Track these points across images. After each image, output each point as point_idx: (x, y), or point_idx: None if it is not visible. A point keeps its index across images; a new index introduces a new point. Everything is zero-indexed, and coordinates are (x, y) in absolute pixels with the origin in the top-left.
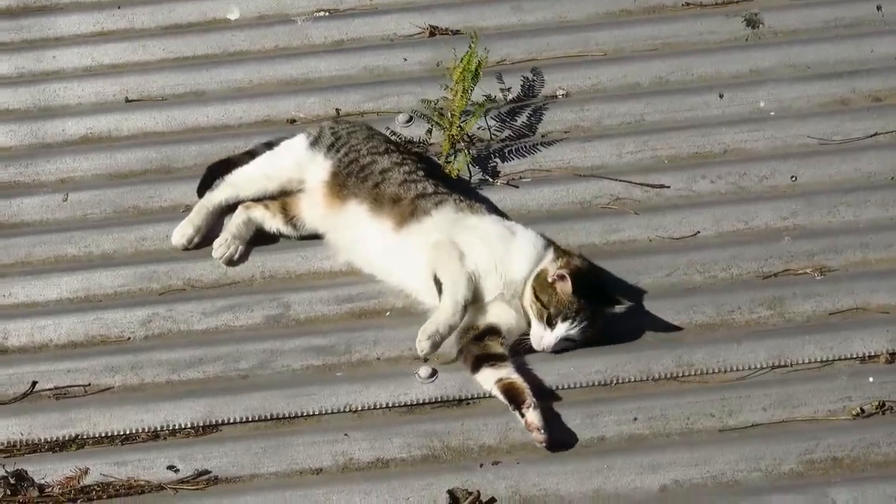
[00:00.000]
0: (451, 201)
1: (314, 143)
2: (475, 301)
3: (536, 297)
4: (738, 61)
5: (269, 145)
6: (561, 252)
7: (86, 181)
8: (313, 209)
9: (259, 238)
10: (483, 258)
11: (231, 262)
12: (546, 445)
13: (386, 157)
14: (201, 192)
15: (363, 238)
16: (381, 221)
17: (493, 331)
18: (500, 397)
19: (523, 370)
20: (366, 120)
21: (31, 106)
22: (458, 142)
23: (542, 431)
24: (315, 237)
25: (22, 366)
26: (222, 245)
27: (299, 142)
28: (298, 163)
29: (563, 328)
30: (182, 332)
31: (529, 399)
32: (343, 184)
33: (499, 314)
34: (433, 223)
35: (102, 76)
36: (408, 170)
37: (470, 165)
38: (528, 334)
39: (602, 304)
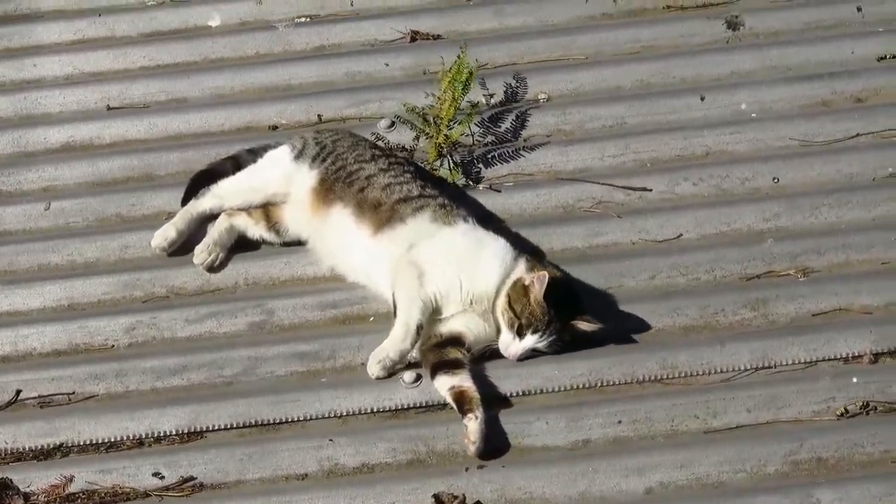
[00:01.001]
0: (430, 208)
1: (299, 154)
2: (436, 314)
3: (510, 306)
4: (720, 64)
5: (252, 152)
6: (534, 263)
7: (68, 189)
8: (298, 215)
9: (242, 244)
10: (445, 277)
11: (211, 269)
12: (475, 454)
13: (372, 164)
14: (185, 202)
15: (345, 243)
16: (361, 227)
17: (456, 340)
18: (452, 404)
19: (480, 377)
20: (348, 126)
21: (13, 114)
22: (444, 149)
23: (475, 444)
24: (298, 243)
25: (6, 374)
26: (203, 251)
27: (284, 154)
28: (284, 175)
29: (531, 340)
30: (166, 340)
31: (475, 410)
32: (330, 188)
33: (466, 323)
34: (406, 231)
35: (84, 84)
36: (394, 174)
37: (453, 170)
38: (496, 342)
39: (573, 320)
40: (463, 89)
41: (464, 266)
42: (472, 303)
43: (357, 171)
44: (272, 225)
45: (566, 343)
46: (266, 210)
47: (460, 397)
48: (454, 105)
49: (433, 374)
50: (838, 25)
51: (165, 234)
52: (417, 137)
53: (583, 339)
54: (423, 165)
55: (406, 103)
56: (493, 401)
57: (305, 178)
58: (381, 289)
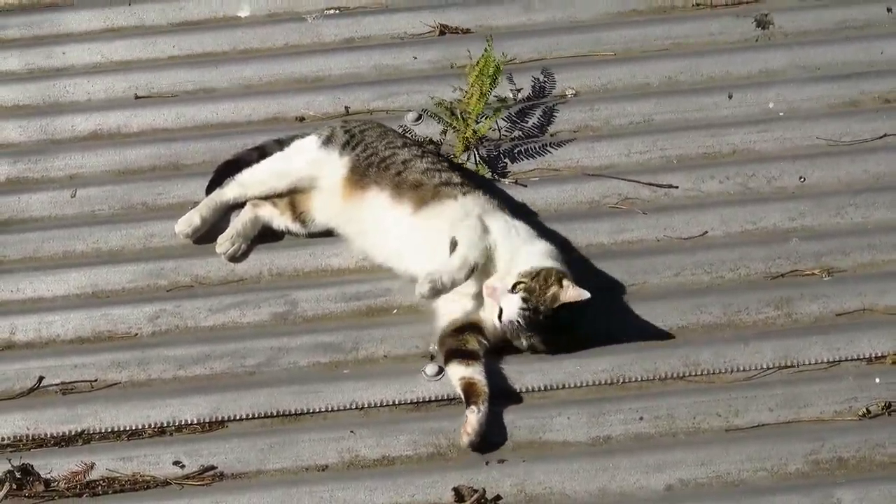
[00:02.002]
0: (479, 193)
1: (327, 142)
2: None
3: (530, 278)
4: (748, 62)
5: (279, 142)
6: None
7: (94, 177)
8: (328, 204)
9: (267, 235)
10: (504, 243)
11: (234, 259)
12: (466, 445)
13: (406, 150)
14: (210, 192)
15: (379, 224)
16: (400, 206)
17: (475, 327)
18: (460, 393)
19: (494, 372)
20: (375, 117)
21: (41, 102)
22: (471, 143)
23: (469, 436)
24: (323, 234)
25: (29, 361)
26: (226, 241)
27: (311, 142)
28: (311, 162)
29: (515, 299)
30: (189, 329)
31: (480, 404)
32: (364, 174)
33: (488, 312)
34: (461, 205)
35: (112, 73)
36: (431, 160)
37: (479, 164)
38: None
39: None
40: (490, 83)
41: (517, 244)
42: (514, 283)
43: (391, 156)
44: (298, 215)
45: (540, 329)
46: (292, 200)
47: (470, 389)
48: (482, 99)
49: (447, 360)
50: (867, 26)
51: (189, 221)
52: (445, 131)
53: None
54: (450, 158)
55: (434, 97)
56: (512, 396)
57: (336, 165)
58: (413, 267)
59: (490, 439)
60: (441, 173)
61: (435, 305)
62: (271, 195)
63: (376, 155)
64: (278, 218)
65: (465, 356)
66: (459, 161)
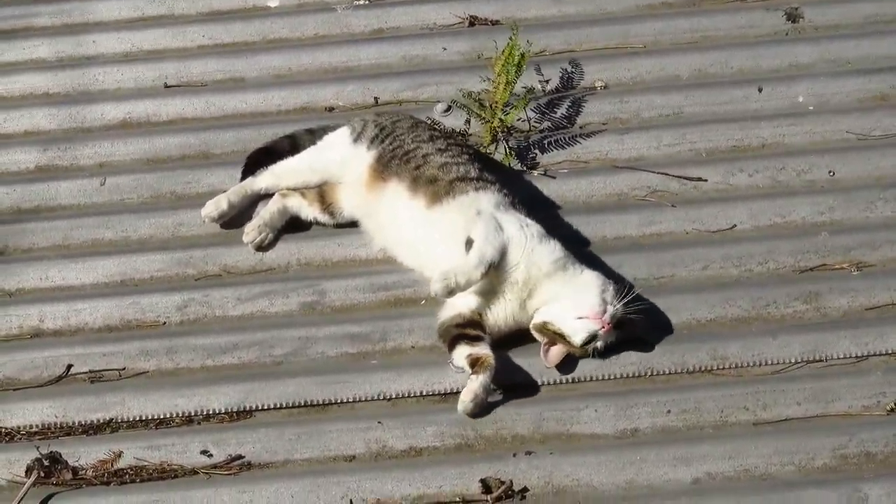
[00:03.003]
0: (493, 190)
1: (358, 137)
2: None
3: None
4: (778, 55)
5: (311, 132)
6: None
7: (124, 166)
8: (353, 195)
9: (295, 225)
10: (517, 241)
11: (260, 248)
12: (461, 412)
13: (430, 144)
14: (244, 179)
15: (396, 218)
16: (415, 200)
17: (476, 324)
18: (466, 369)
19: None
20: (404, 108)
21: (71, 90)
22: (498, 133)
23: (464, 402)
24: (351, 225)
25: (57, 349)
26: (254, 230)
27: (343, 137)
28: (343, 159)
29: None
30: (217, 318)
31: (482, 373)
32: (387, 165)
33: (490, 306)
34: (472, 200)
35: (142, 61)
36: (452, 154)
37: (508, 154)
38: (506, 330)
39: None
40: (515, 72)
41: (537, 238)
42: (529, 279)
43: (414, 149)
44: (326, 206)
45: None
46: (321, 191)
47: (475, 362)
48: (508, 89)
49: (452, 346)
50: None
51: (217, 204)
52: (468, 120)
53: None
54: (478, 149)
55: (462, 88)
56: (540, 388)
57: (363, 159)
58: (428, 263)
59: (513, 427)
60: (459, 167)
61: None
62: (303, 188)
63: (401, 148)
64: (307, 208)
65: (470, 339)
66: (487, 152)
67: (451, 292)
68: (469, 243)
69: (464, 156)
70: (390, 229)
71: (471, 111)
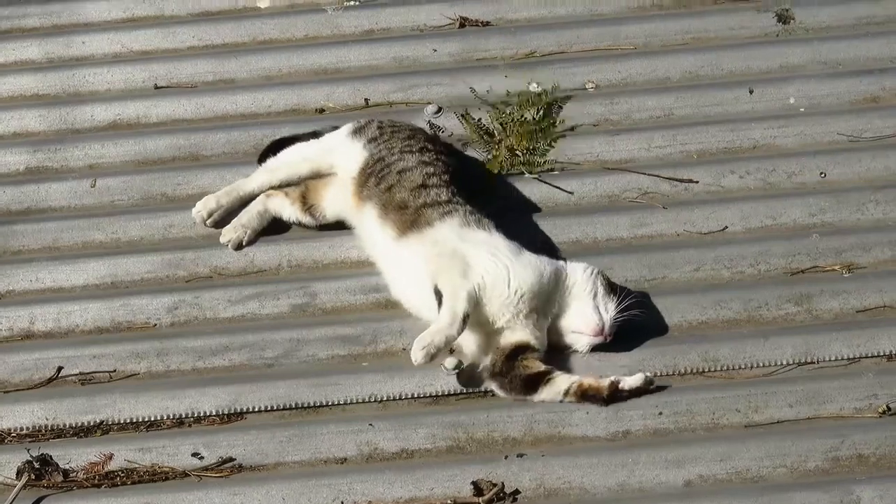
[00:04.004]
0: (459, 213)
1: (357, 131)
2: (488, 323)
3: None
4: (769, 57)
5: (316, 135)
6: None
7: (114, 167)
8: (341, 198)
9: (285, 226)
10: (491, 267)
11: (239, 247)
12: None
13: (414, 156)
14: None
15: (373, 244)
16: (385, 229)
17: (524, 348)
18: (577, 402)
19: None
20: (394, 110)
21: (61, 91)
22: (505, 166)
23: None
24: (336, 227)
25: (48, 351)
26: (230, 230)
27: (344, 130)
28: (336, 148)
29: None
30: (208, 320)
31: (614, 379)
32: (364, 184)
33: (524, 329)
34: (435, 234)
35: (132, 62)
36: (430, 171)
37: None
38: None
39: None
40: (545, 139)
41: (511, 259)
42: (519, 301)
43: (394, 162)
44: (308, 207)
45: None
46: (303, 190)
47: (588, 390)
48: (528, 135)
49: (530, 389)
50: (889, 21)
51: (206, 204)
52: (466, 144)
53: None
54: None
55: (466, 114)
56: None
57: (354, 157)
58: (403, 295)
59: (505, 430)
60: (431, 189)
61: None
62: (293, 180)
63: (383, 160)
64: (289, 208)
65: (545, 375)
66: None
67: (432, 357)
68: (438, 294)
69: (445, 175)
70: (372, 251)
71: (473, 140)
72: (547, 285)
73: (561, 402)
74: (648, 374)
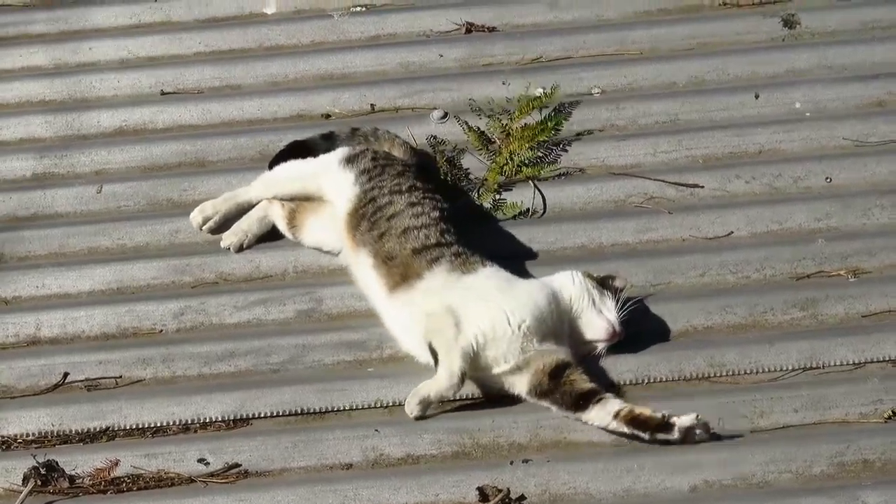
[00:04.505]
0: (446, 258)
1: (351, 160)
2: (489, 364)
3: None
4: (775, 62)
5: (332, 137)
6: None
7: (120, 173)
8: (327, 231)
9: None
10: (486, 314)
11: (239, 250)
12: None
13: (403, 197)
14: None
15: (372, 293)
16: (379, 282)
17: (564, 365)
18: (625, 429)
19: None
20: (400, 116)
21: (67, 97)
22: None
23: (708, 425)
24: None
25: (54, 357)
26: (231, 234)
27: (337, 155)
28: (326, 172)
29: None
30: (214, 326)
31: (667, 414)
32: (357, 227)
33: (552, 352)
34: (424, 286)
35: (138, 69)
36: (419, 211)
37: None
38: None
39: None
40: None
41: (504, 297)
42: (527, 333)
43: (385, 205)
44: (292, 227)
45: None
46: (293, 208)
47: (637, 418)
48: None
49: (581, 407)
50: (894, 26)
51: (202, 210)
52: (462, 150)
53: None
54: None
55: (467, 122)
56: None
57: (346, 189)
58: (409, 346)
59: (510, 435)
60: (420, 231)
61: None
62: (286, 198)
63: (374, 202)
64: (280, 221)
65: (595, 394)
66: (495, 200)
67: (426, 410)
68: (433, 352)
69: (434, 212)
70: (369, 299)
71: (474, 147)
72: (548, 307)
73: (607, 425)
74: (701, 416)
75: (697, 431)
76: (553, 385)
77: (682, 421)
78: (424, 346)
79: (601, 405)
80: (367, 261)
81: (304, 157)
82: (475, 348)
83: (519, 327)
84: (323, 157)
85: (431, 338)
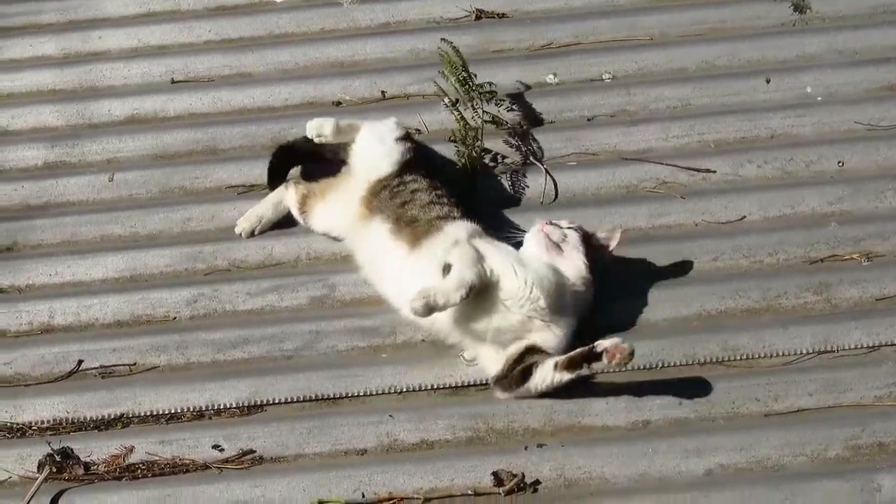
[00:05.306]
0: (470, 226)
1: (404, 137)
2: (504, 320)
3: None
4: (786, 46)
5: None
6: None
7: (132, 161)
8: (338, 214)
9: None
10: (501, 262)
11: (251, 235)
12: (632, 356)
13: (426, 181)
14: (272, 177)
15: (381, 259)
16: (397, 245)
17: (534, 349)
18: (567, 375)
19: None
20: (411, 103)
21: (78, 86)
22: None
23: (625, 343)
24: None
25: (68, 344)
26: (245, 220)
27: (395, 130)
28: (381, 142)
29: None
30: (227, 313)
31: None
32: (377, 194)
33: (540, 334)
34: (448, 234)
35: (148, 57)
36: (439, 193)
37: (520, 147)
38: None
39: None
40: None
41: (519, 260)
42: (533, 291)
43: (409, 181)
44: (303, 212)
45: None
46: (305, 193)
47: (572, 358)
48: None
49: (525, 379)
50: None
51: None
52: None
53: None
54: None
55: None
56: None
57: (389, 159)
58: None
59: (525, 420)
60: (443, 207)
61: (480, 360)
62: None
63: (401, 178)
64: (294, 206)
65: (537, 362)
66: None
67: (430, 310)
68: (447, 268)
69: (452, 198)
70: (376, 267)
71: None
72: (555, 280)
73: (552, 379)
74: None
75: (618, 356)
76: (509, 370)
77: (602, 343)
78: (440, 272)
79: (541, 367)
80: (384, 226)
81: (291, 160)
82: (489, 277)
83: (526, 282)
84: (376, 125)
85: (451, 259)
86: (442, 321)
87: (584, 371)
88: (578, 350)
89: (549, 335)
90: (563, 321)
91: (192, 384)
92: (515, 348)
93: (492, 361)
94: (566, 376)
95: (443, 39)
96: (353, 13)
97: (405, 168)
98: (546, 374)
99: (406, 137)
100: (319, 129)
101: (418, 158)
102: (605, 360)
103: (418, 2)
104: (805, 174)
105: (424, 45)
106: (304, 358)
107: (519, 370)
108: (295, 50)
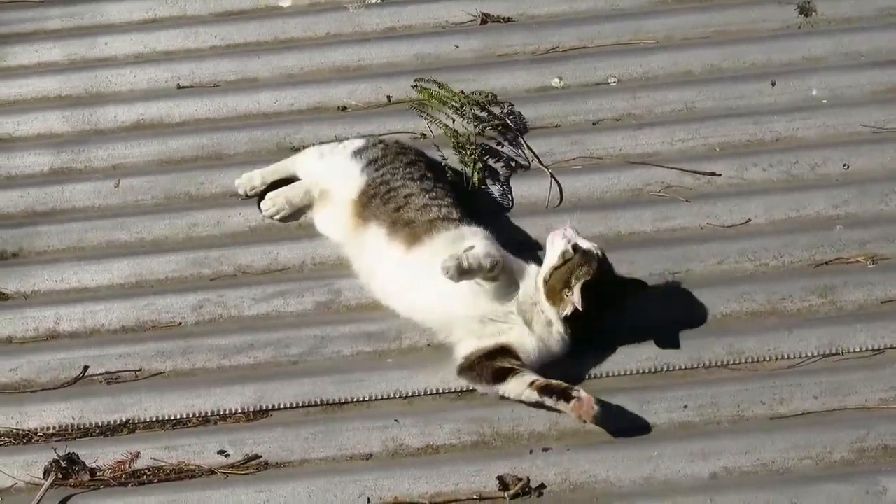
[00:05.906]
0: (465, 223)
1: (359, 153)
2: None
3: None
4: (791, 49)
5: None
6: None
7: (137, 167)
8: (336, 220)
9: (310, 224)
10: (513, 259)
11: (273, 217)
12: (596, 418)
13: (416, 184)
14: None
15: (378, 263)
16: (394, 246)
17: (506, 351)
18: (536, 396)
19: None
20: (415, 107)
21: (83, 92)
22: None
23: (596, 405)
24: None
25: (74, 350)
26: (269, 201)
27: (350, 146)
28: (332, 166)
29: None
30: (233, 318)
31: (577, 389)
32: (366, 204)
33: (515, 336)
34: (458, 234)
35: (154, 63)
36: (434, 195)
37: (525, 151)
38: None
39: None
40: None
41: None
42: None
43: (399, 187)
44: (313, 211)
45: None
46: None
47: (548, 386)
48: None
49: (498, 380)
50: None
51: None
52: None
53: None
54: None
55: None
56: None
57: (351, 182)
58: (413, 310)
59: (530, 424)
60: (441, 208)
61: (453, 338)
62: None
63: (387, 184)
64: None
65: (514, 371)
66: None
67: (460, 272)
68: (468, 249)
69: (447, 198)
70: (374, 275)
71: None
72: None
73: (521, 393)
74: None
75: (583, 410)
76: (484, 360)
77: (581, 393)
78: (439, 279)
79: (517, 378)
80: (380, 230)
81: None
82: (499, 261)
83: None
84: (336, 148)
85: (474, 241)
86: (438, 303)
87: (549, 402)
88: (558, 382)
89: (526, 340)
90: (556, 327)
91: (197, 390)
92: (491, 343)
93: (463, 347)
94: (534, 397)
95: (416, 80)
96: (359, 18)
97: (375, 167)
98: (520, 387)
99: (365, 147)
100: (250, 182)
101: (394, 152)
102: (571, 405)
103: (424, 6)
104: (810, 177)
105: (430, 50)
106: (309, 363)
107: (493, 369)
108: (300, 55)
